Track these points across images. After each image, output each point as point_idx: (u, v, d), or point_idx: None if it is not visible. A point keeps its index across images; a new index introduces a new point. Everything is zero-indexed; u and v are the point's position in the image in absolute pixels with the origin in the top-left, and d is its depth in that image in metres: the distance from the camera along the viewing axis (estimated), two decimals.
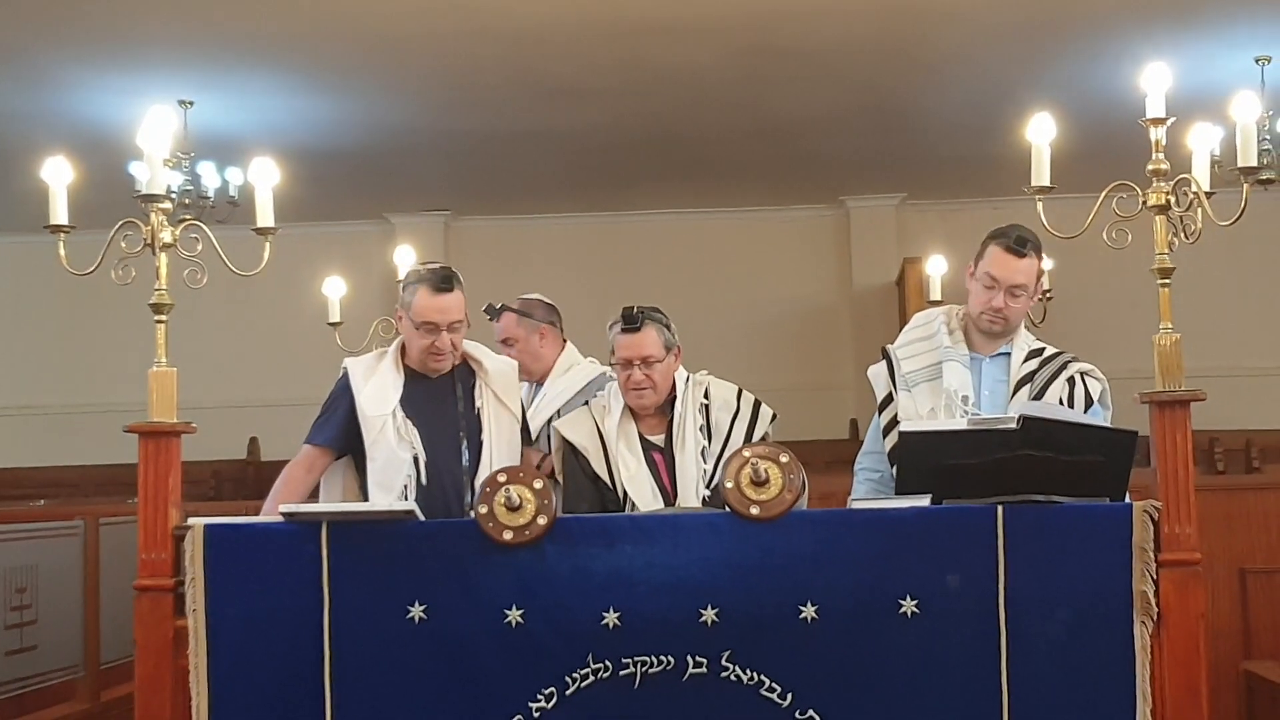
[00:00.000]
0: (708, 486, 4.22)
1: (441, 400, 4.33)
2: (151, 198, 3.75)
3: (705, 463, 4.28)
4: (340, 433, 4.28)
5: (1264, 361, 11.76)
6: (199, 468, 10.29)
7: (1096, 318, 10.58)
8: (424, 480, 4.20)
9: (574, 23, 7.97)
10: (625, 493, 4.27)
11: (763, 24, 8.07)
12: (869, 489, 4.34)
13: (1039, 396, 4.17)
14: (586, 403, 4.58)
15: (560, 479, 4.42)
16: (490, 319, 5.09)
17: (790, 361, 12.25)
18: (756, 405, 4.43)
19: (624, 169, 11.11)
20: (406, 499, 4.07)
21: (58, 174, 3.85)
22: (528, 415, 4.81)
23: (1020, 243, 4.19)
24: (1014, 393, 4.22)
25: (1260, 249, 11.49)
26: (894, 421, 4.27)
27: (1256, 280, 11.89)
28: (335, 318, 5.83)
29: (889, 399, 4.35)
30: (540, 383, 5.00)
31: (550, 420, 4.71)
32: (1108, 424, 4.13)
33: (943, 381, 4.24)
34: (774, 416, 4.43)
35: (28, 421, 12.48)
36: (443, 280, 4.27)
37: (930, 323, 4.41)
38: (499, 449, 4.31)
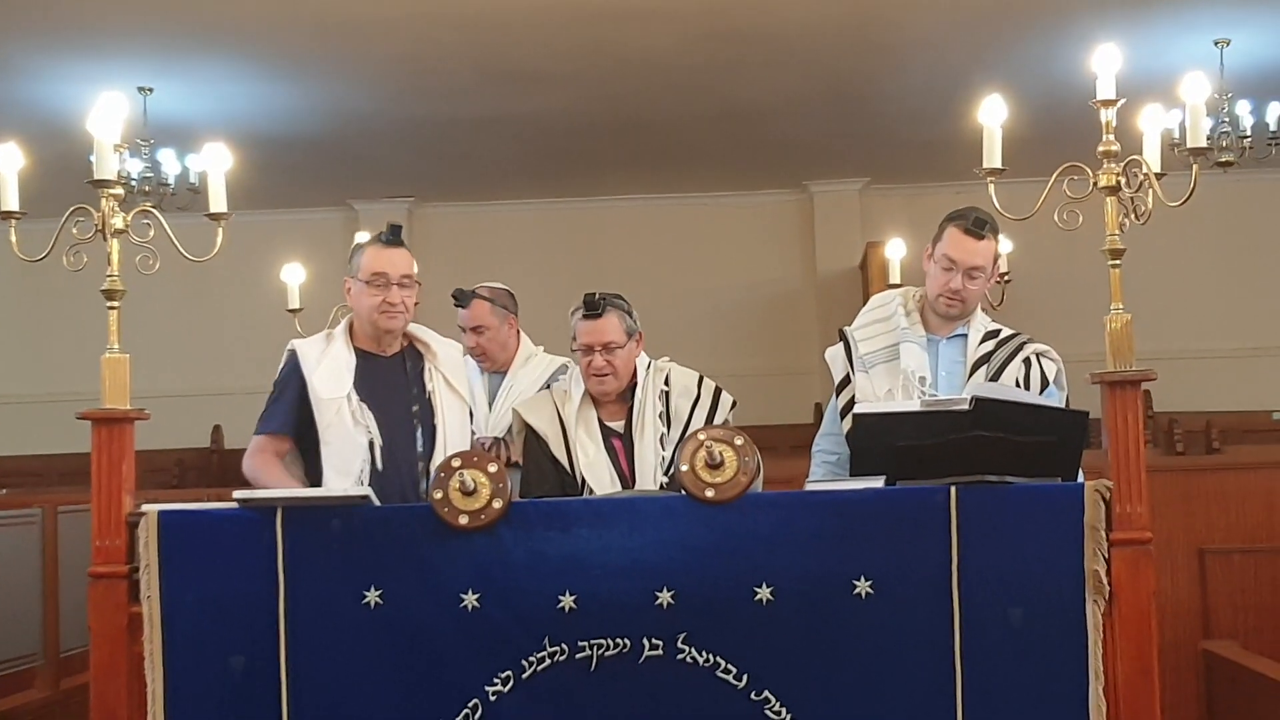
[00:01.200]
0: (666, 474, 4.23)
1: (393, 383, 4.28)
2: (102, 183, 3.73)
3: (664, 450, 4.28)
4: (294, 417, 4.21)
5: (1224, 343, 11.83)
6: (162, 456, 10.29)
7: (1053, 301, 10.63)
8: (380, 466, 4.15)
9: (535, 7, 7.95)
10: (583, 479, 4.27)
11: (724, 8, 8.07)
12: (826, 471, 4.35)
13: (995, 378, 4.19)
14: (548, 385, 4.58)
15: (521, 462, 4.43)
16: (458, 304, 5.05)
17: (755, 346, 12.28)
18: (717, 392, 4.42)
19: (587, 155, 11.11)
20: (363, 484, 4.04)
21: (8, 160, 3.82)
22: (496, 406, 4.80)
23: (978, 224, 4.20)
24: (970, 374, 4.23)
25: (1221, 233, 11.58)
26: (851, 403, 4.29)
27: (1217, 264, 11.96)
28: (295, 304, 5.81)
29: (846, 380, 4.36)
30: (500, 372, 4.99)
31: None
32: (1063, 404, 4.16)
33: (900, 363, 4.25)
34: (734, 404, 4.42)
35: None
36: (390, 233, 4.24)
37: (887, 304, 4.42)
38: (452, 434, 4.28)
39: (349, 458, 4.13)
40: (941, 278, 4.24)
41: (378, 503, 3.73)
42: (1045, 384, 4.21)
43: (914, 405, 3.81)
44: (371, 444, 4.16)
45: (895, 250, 6.32)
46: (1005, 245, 5.44)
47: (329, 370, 4.20)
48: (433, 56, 8.69)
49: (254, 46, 8.47)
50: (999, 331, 4.33)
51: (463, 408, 4.39)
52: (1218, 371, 11.46)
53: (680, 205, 12.49)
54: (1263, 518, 6.38)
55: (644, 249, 12.30)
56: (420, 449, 4.24)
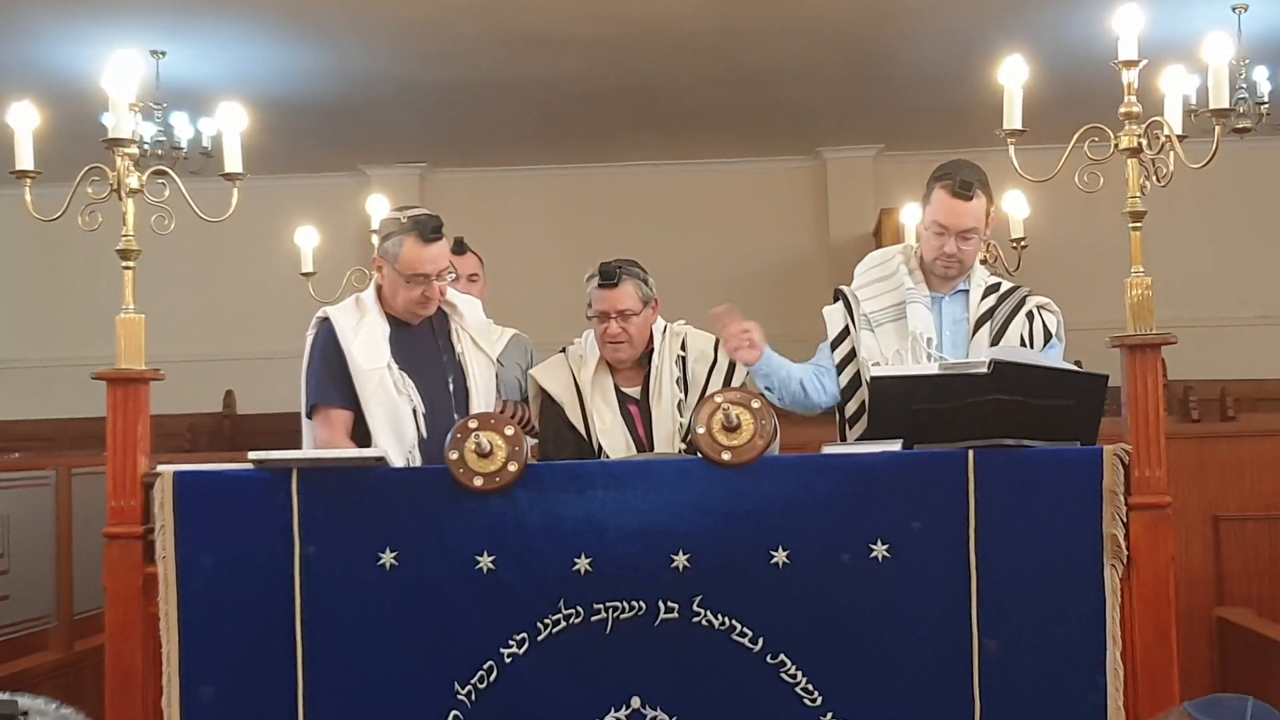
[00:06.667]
0: (684, 440, 4.21)
1: (426, 349, 4.21)
2: (117, 142, 3.72)
3: (681, 416, 4.26)
4: (348, 388, 4.06)
5: (1239, 311, 11.78)
6: (175, 421, 10.26)
7: (1071, 269, 10.55)
8: (425, 433, 4.07)
9: None
10: (600, 446, 4.26)
11: None
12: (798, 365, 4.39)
13: (1000, 333, 4.15)
14: (564, 350, 4.54)
15: (537, 426, 4.41)
16: (455, 251, 5.06)
17: (767, 313, 11.97)
18: None
19: (599, 120, 11.05)
20: (414, 453, 4.02)
21: (23, 119, 3.81)
22: None
23: (965, 186, 4.08)
24: (974, 331, 4.19)
25: (1235, 200, 11.52)
26: (850, 355, 4.26)
27: (1232, 232, 11.90)
28: (308, 268, 5.78)
29: (845, 333, 4.31)
30: None
31: None
32: (1063, 356, 4.13)
33: (908, 323, 4.21)
34: None
35: (2, 375, 12.42)
36: (432, 230, 4.08)
37: (888, 262, 4.35)
38: (482, 393, 4.25)
39: (401, 427, 4.06)
40: (935, 242, 4.16)
41: (393, 464, 3.72)
42: (1049, 336, 4.18)
43: (932, 368, 3.79)
44: (415, 411, 4.08)
45: (911, 216, 6.26)
46: (1022, 211, 5.40)
47: (367, 340, 4.09)
48: (445, 21, 8.63)
49: (266, 10, 8.42)
50: (999, 285, 4.28)
51: (489, 366, 4.34)
52: (1232, 339, 11.41)
53: (693, 171, 12.45)
54: (1277, 485, 6.35)
55: (656, 215, 12.26)
56: (456, 412, 4.13)
